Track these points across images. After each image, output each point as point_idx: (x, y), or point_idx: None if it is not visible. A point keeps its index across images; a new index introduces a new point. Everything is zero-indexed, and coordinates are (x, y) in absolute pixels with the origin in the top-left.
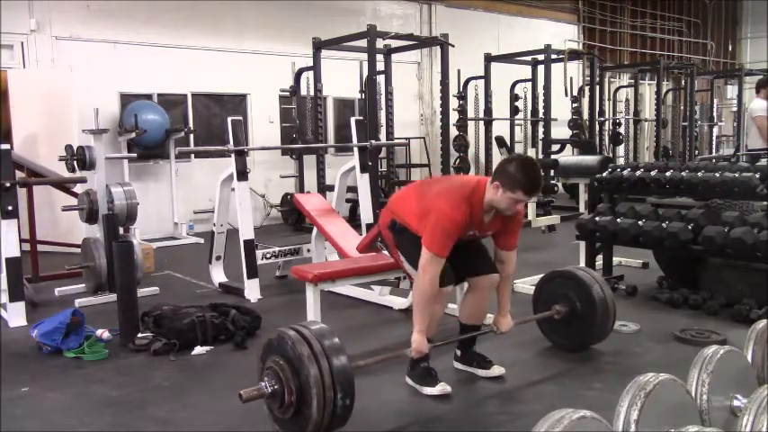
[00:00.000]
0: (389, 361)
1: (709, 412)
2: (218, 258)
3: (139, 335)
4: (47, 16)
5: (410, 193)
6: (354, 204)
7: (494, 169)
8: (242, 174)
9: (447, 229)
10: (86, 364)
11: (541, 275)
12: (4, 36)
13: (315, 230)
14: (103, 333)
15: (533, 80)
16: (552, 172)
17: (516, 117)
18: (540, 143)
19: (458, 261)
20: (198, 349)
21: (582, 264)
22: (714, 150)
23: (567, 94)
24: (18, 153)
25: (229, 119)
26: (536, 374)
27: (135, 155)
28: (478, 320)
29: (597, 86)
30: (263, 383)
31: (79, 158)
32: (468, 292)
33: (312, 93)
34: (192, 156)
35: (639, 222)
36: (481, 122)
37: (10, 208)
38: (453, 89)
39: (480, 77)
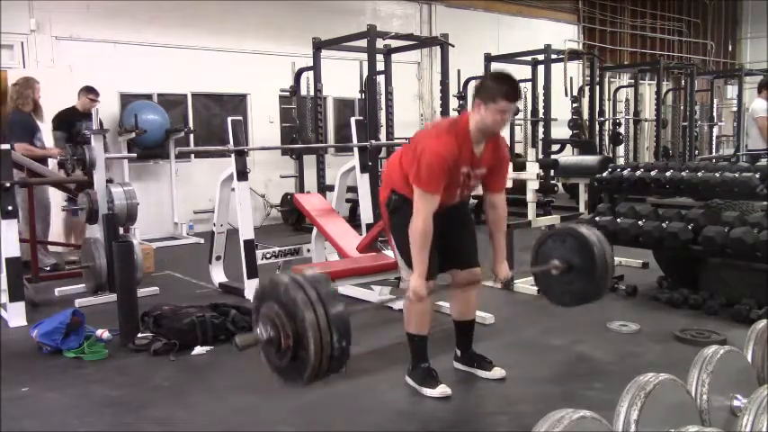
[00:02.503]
0: (389, 360)
1: (709, 412)
2: (218, 258)
3: (139, 335)
4: (47, 16)
5: (402, 150)
6: (354, 204)
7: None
8: (242, 174)
9: (434, 165)
10: (86, 364)
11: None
12: (4, 36)
13: (315, 230)
14: (103, 333)
15: (533, 80)
16: (552, 172)
17: (516, 117)
18: (540, 143)
19: (445, 249)
20: (198, 349)
21: None
22: (714, 150)
23: (567, 94)
24: (18, 153)
25: (229, 119)
26: (536, 374)
27: (135, 155)
28: (470, 316)
29: (597, 86)
30: (258, 330)
31: (79, 158)
32: (453, 288)
33: (312, 93)
34: (192, 156)
35: (639, 222)
36: None
37: (10, 208)
38: (453, 89)
39: (480, 77)
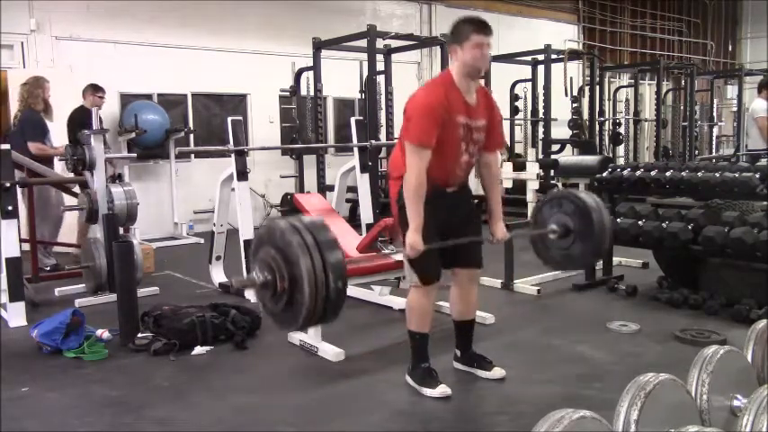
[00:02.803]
0: (389, 360)
1: (709, 412)
2: (218, 258)
3: (139, 335)
4: (47, 16)
5: (400, 142)
6: (354, 204)
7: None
8: (242, 174)
9: (422, 114)
10: (86, 364)
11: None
12: (4, 36)
13: None
14: (103, 333)
15: (533, 80)
16: (552, 172)
17: (516, 117)
18: (540, 143)
19: (449, 250)
20: (198, 349)
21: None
22: (714, 150)
23: (567, 94)
24: (18, 153)
25: (229, 119)
26: (536, 374)
27: (135, 155)
28: (470, 315)
29: (597, 86)
30: (254, 274)
31: (79, 158)
32: (453, 287)
33: (312, 93)
34: (192, 156)
35: (639, 222)
36: None
37: (10, 208)
38: None
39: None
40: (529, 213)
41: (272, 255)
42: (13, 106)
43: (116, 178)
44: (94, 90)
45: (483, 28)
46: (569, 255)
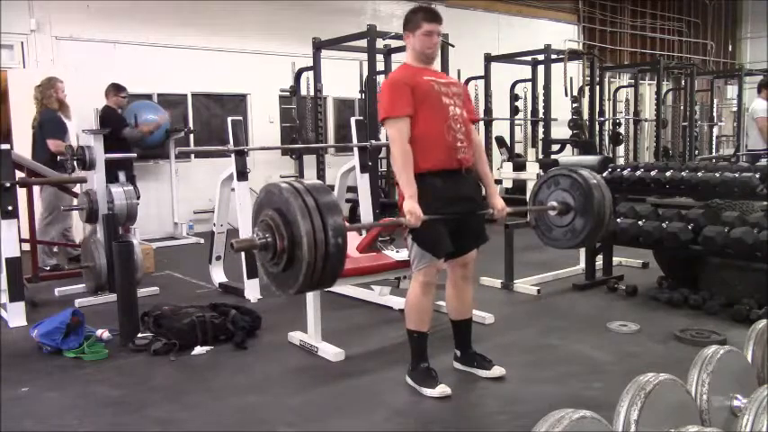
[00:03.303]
0: (389, 360)
1: (709, 412)
2: (218, 258)
3: (139, 335)
4: (47, 16)
5: None
6: (354, 204)
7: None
8: (242, 174)
9: (391, 89)
10: (86, 364)
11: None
12: (4, 36)
13: None
14: (103, 333)
15: (533, 80)
16: None
17: (516, 117)
18: (540, 143)
19: (455, 233)
20: (198, 349)
21: (582, 264)
22: (714, 150)
23: (567, 94)
24: (18, 153)
25: (229, 119)
26: (536, 374)
27: (135, 155)
28: (467, 314)
29: (597, 86)
30: (255, 235)
31: (79, 158)
32: (448, 286)
33: (312, 93)
34: (192, 156)
35: (639, 222)
36: (481, 122)
37: (10, 208)
38: None
39: (480, 77)
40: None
41: (271, 215)
42: (14, 106)
43: (130, 179)
44: (116, 90)
45: (433, 16)
46: (571, 231)
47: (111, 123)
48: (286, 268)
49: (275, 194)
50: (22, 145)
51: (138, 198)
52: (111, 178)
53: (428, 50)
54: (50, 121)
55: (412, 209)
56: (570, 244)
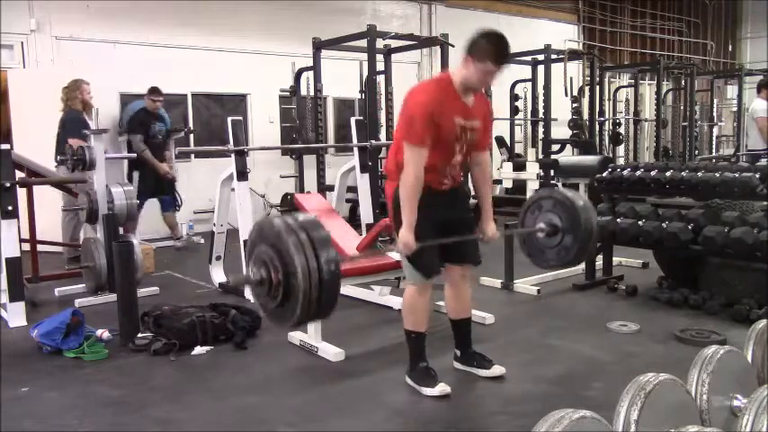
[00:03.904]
0: (389, 360)
1: (709, 412)
2: (218, 258)
3: (139, 335)
4: (47, 16)
5: (397, 142)
6: (354, 204)
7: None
8: (242, 174)
9: (417, 113)
10: (86, 364)
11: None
12: (4, 36)
13: None
14: (103, 333)
15: (533, 80)
16: (552, 172)
17: (516, 117)
18: (540, 143)
19: (446, 246)
20: (198, 349)
21: (582, 265)
22: (714, 150)
23: (566, 94)
24: (18, 153)
25: (229, 119)
26: (536, 374)
27: (135, 155)
28: (465, 314)
29: (597, 86)
30: (250, 272)
31: (79, 158)
32: (448, 287)
33: (312, 93)
34: (192, 156)
35: (639, 222)
36: None
37: (10, 208)
38: None
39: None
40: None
41: (265, 250)
42: (14, 106)
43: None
44: (149, 93)
45: (502, 59)
46: (564, 248)
47: (137, 124)
48: (282, 302)
49: (267, 230)
50: (22, 145)
51: (180, 206)
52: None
53: (480, 85)
54: (72, 121)
55: (407, 241)
56: (566, 260)
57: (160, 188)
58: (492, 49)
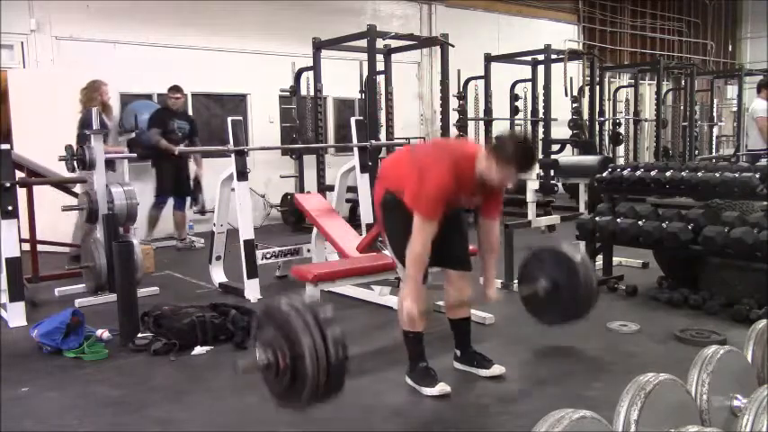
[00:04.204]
0: (389, 360)
1: (709, 412)
2: (218, 258)
3: (139, 335)
4: (47, 16)
5: (401, 156)
6: (354, 204)
7: (492, 141)
8: (242, 174)
9: (435, 195)
10: (86, 364)
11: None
12: (4, 36)
13: (315, 230)
14: (103, 333)
15: (533, 80)
16: (552, 172)
17: (516, 117)
18: (540, 143)
19: (438, 247)
20: (198, 349)
21: None
22: (714, 150)
23: (567, 94)
24: (18, 153)
25: (229, 119)
26: (536, 374)
27: (135, 155)
28: (464, 313)
29: (597, 86)
30: (258, 356)
31: (79, 158)
32: (446, 284)
33: (312, 93)
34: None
35: (639, 222)
36: (481, 122)
37: (10, 208)
38: (453, 89)
39: (480, 77)
40: (529, 213)
41: (273, 335)
42: (14, 106)
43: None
44: (168, 91)
45: (525, 170)
46: (558, 309)
47: (155, 120)
48: (290, 386)
49: (275, 312)
50: (22, 145)
51: (202, 208)
52: None
53: (498, 184)
54: (89, 122)
55: (412, 312)
56: (571, 314)
57: (180, 187)
58: (518, 159)
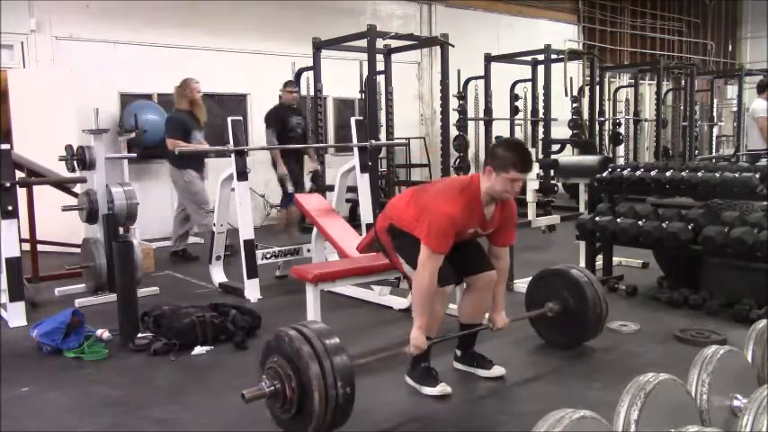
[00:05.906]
0: (389, 360)
1: (709, 412)
2: (218, 258)
3: (139, 335)
4: (47, 16)
5: (406, 197)
6: (354, 204)
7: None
8: (242, 174)
9: (444, 227)
10: (86, 364)
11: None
12: (4, 36)
13: (315, 230)
14: (103, 333)
15: (533, 80)
16: (552, 172)
17: (516, 117)
18: (540, 143)
19: (457, 261)
20: (198, 349)
21: (582, 264)
22: (714, 150)
23: (567, 94)
24: (18, 153)
25: (229, 119)
26: (536, 374)
27: (135, 155)
28: (478, 319)
29: (597, 86)
30: (263, 384)
31: (79, 158)
32: (467, 291)
33: (312, 93)
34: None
35: (639, 222)
36: (481, 122)
37: (10, 208)
38: (453, 89)
39: (480, 77)
40: (529, 213)
41: (281, 363)
42: (14, 106)
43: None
44: (284, 86)
45: (524, 167)
46: (565, 331)
47: (273, 118)
48: (295, 417)
49: (285, 341)
50: (22, 145)
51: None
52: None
53: (505, 194)
54: (169, 121)
55: (418, 342)
56: (580, 335)
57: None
58: (513, 158)
